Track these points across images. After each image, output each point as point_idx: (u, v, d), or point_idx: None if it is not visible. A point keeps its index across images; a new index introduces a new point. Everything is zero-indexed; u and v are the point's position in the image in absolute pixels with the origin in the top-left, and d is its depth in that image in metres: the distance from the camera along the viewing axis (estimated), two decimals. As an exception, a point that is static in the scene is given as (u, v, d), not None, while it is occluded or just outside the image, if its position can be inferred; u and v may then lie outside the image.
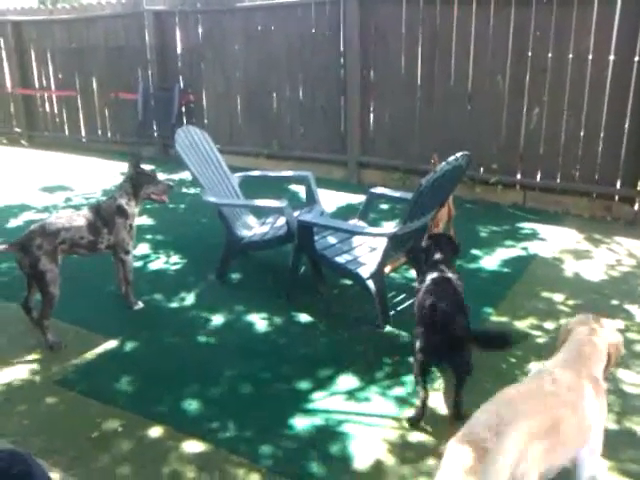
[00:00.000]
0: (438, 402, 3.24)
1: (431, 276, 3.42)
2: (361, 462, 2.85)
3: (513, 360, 3.63)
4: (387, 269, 4.28)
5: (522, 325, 4.02)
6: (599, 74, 5.99)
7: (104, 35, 9.51)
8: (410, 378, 3.36)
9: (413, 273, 4.56)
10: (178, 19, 8.81)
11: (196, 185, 5.49)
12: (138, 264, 5.05)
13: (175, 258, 5.35)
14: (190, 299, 4.56)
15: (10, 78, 10.68)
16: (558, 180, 6.44)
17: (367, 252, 4.33)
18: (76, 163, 9.36)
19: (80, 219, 4.07)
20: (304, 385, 3.45)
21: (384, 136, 7.49)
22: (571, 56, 6.10)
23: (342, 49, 7.49)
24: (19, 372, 3.62)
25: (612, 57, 5.90)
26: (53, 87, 10.35)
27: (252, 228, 5.01)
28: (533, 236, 5.70)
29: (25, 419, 3.20)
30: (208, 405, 3.30)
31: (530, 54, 6.30)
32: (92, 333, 4.04)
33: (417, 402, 3.11)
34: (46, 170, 8.87)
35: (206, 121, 8.89)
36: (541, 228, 5.89)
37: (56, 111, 10.49)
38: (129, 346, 3.91)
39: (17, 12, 10.54)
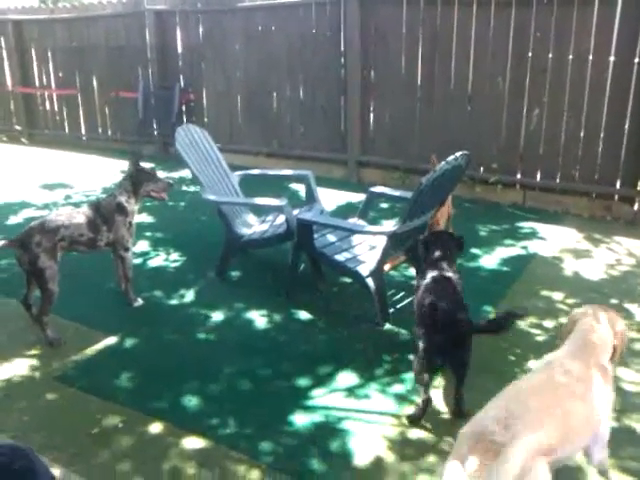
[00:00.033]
0: (438, 399, 3.24)
1: (431, 274, 3.41)
2: (361, 459, 2.85)
3: (513, 358, 3.64)
4: (386, 267, 4.28)
5: (522, 323, 4.02)
6: (599, 75, 6.00)
7: (105, 34, 9.51)
8: (409, 375, 3.36)
9: (412, 271, 4.57)
10: (179, 19, 8.82)
11: (196, 183, 5.50)
12: (138, 261, 5.05)
13: (175, 255, 5.35)
14: (190, 296, 4.56)
15: (11, 76, 10.68)
16: (558, 180, 6.45)
17: (367, 250, 4.33)
18: (76, 161, 9.37)
19: (80, 216, 4.07)
20: (304, 382, 3.45)
21: (384, 136, 7.50)
22: (571, 57, 6.11)
23: (342, 49, 7.50)
24: (19, 368, 3.62)
25: (612, 58, 5.91)
26: (53, 86, 10.35)
27: (252, 226, 5.01)
28: (533, 235, 5.71)
29: (25, 415, 3.21)
30: (208, 401, 3.30)
31: (530, 55, 6.31)
32: (92, 330, 4.04)
33: (417, 401, 3.11)
34: (46, 168, 8.87)
35: (206, 120, 8.90)
36: (541, 227, 5.90)
37: (56, 109, 10.49)
38: (129, 343, 3.91)
39: (18, 11, 10.57)
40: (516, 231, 5.84)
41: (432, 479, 2.69)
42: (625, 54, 5.85)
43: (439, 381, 3.40)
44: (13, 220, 6.34)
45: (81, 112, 10.19)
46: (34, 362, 3.69)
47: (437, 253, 3.53)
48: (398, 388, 3.37)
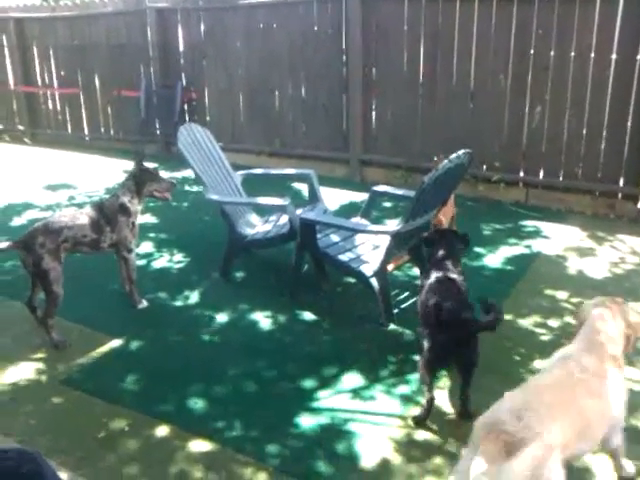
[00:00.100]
0: (443, 400, 3.24)
1: (435, 274, 3.40)
2: (367, 461, 2.85)
3: (518, 358, 3.65)
4: (390, 267, 4.28)
5: (526, 323, 4.03)
6: (601, 73, 5.99)
7: (106, 32, 9.49)
8: (415, 376, 3.37)
9: (416, 271, 4.57)
10: (180, 16, 8.79)
11: (199, 183, 5.50)
12: (142, 262, 5.06)
13: (178, 256, 5.35)
14: (194, 297, 4.56)
15: (13, 75, 10.66)
16: (561, 178, 6.44)
17: (370, 250, 4.33)
18: (79, 161, 9.36)
19: (83, 217, 4.07)
20: (309, 383, 3.46)
21: (386, 134, 7.49)
22: (573, 54, 6.09)
23: (344, 47, 7.48)
24: (24, 371, 3.63)
25: (614, 56, 5.89)
26: (56, 84, 10.34)
27: (255, 226, 5.01)
28: (536, 234, 5.70)
29: (31, 419, 3.21)
30: (213, 404, 3.30)
31: (532, 52, 6.30)
32: (96, 332, 4.04)
33: (423, 401, 3.12)
34: (49, 168, 8.87)
35: (208, 119, 8.88)
36: (544, 226, 5.89)
37: (59, 109, 10.47)
38: (134, 345, 3.92)
39: (19, 9, 10.53)
40: (519, 229, 5.83)
41: (438, 481, 2.70)
42: (627, 51, 5.83)
43: (445, 382, 3.40)
44: (17, 221, 6.35)
45: (83, 112, 10.17)
46: (39, 365, 3.70)
47: (441, 252, 3.53)
48: (403, 389, 3.37)
